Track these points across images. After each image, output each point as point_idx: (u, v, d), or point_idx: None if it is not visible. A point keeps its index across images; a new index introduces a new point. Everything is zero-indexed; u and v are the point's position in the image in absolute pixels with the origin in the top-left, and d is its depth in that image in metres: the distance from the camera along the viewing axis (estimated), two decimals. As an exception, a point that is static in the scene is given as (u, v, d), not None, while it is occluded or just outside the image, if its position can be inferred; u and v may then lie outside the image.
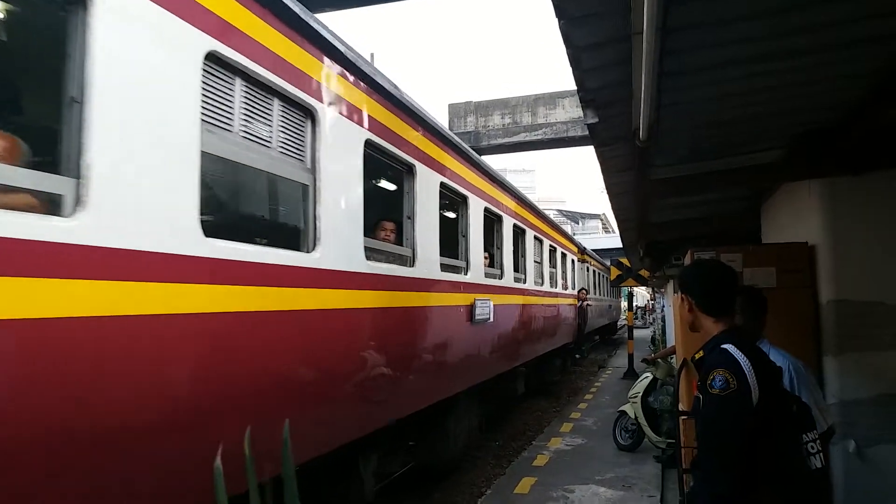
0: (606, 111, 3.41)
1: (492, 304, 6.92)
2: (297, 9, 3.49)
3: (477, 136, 20.75)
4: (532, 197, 13.62)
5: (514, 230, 8.78)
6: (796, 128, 3.99)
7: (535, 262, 10.25)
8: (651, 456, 7.07)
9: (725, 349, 2.16)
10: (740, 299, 2.96)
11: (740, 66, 2.99)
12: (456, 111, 21.36)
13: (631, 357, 14.87)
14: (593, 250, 24.84)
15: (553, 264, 12.18)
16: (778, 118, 3.84)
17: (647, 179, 4.80)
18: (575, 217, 69.70)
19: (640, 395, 7.39)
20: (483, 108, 21.06)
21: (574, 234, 25.76)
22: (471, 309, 6.25)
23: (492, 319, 6.86)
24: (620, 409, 7.74)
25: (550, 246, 11.81)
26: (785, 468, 2.14)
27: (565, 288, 13.53)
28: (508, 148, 21.78)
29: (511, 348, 8.44)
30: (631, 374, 13.79)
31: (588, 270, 19.12)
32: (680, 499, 4.09)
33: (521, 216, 9.33)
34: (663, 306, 19.10)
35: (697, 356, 2.35)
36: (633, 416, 7.44)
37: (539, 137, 20.63)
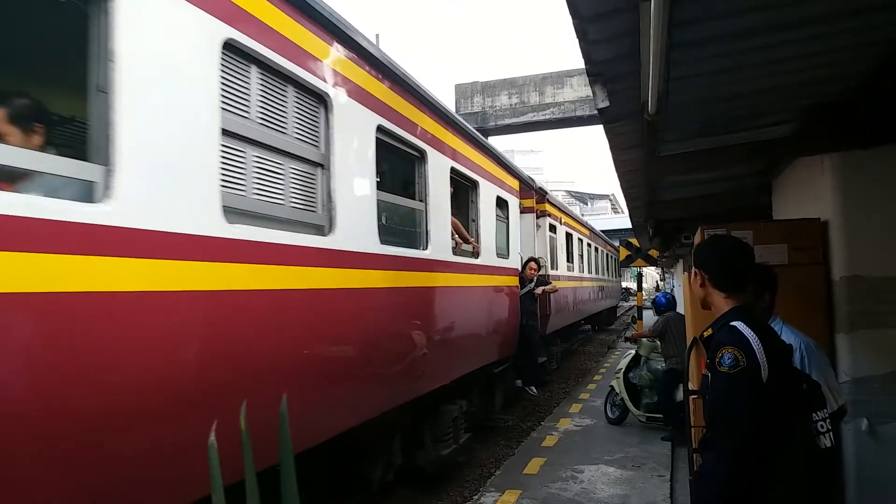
0: (614, 85, 3.34)
1: None
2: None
3: (484, 117, 20.62)
4: (540, 178, 12.55)
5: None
6: (809, 100, 3.90)
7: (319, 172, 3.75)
8: (659, 438, 7.06)
9: (734, 326, 2.12)
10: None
11: (751, 36, 2.90)
12: (462, 91, 21.20)
13: (640, 337, 14.80)
14: (602, 231, 23.32)
15: (420, 194, 5.28)
16: (790, 90, 3.75)
17: (657, 156, 4.72)
18: (584, 198, 69.38)
19: (623, 370, 7.79)
20: (490, 88, 20.90)
21: (583, 215, 24.55)
22: None
23: None
24: (610, 384, 8.17)
25: (405, 143, 4.92)
26: (793, 447, 2.11)
27: (473, 255, 6.47)
28: (516, 128, 21.66)
29: None
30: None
31: (554, 231, 11.86)
32: (690, 478, 4.06)
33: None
34: (672, 287, 19.00)
35: (706, 334, 2.31)
36: (617, 391, 7.83)
37: (547, 117, 20.49)
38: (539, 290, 9.12)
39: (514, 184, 8.56)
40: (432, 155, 5.37)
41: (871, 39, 3.02)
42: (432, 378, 5.29)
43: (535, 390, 9.17)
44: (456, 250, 6.00)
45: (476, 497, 5.31)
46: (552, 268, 11.22)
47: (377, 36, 5.20)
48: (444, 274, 5.56)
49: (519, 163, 9.44)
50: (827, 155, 4.17)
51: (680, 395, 6.96)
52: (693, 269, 2.41)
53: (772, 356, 2.05)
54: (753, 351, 2.03)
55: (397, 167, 5.39)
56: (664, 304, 7.96)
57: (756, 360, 2.02)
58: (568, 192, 65.74)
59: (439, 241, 5.49)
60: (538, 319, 9.38)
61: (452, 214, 6.04)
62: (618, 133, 4.29)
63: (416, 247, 5.11)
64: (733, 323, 2.14)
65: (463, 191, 6.71)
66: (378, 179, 4.41)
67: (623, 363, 7.95)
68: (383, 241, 4.33)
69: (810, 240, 4.31)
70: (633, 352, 7.98)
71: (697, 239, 4.71)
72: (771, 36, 2.91)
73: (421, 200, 5.30)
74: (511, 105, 20.69)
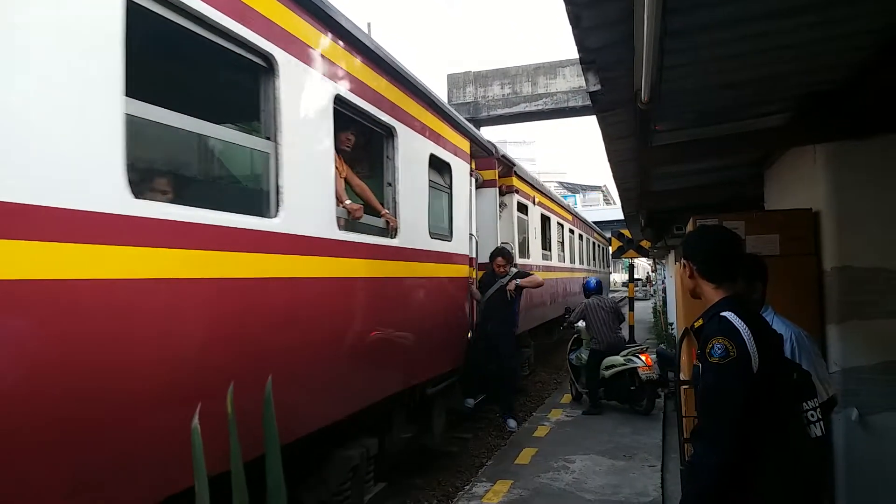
0: (607, 73, 3.30)
1: None
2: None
3: (476, 107, 20.56)
4: (532, 169, 11.99)
5: None
6: (802, 89, 3.88)
7: None
8: (647, 425, 7.09)
9: (725, 317, 2.11)
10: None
11: (746, 24, 2.87)
12: (455, 81, 21.11)
13: (631, 329, 14.85)
14: (594, 222, 23.85)
15: (265, 128, 3.33)
16: (784, 80, 3.73)
17: (650, 146, 4.70)
18: (576, 189, 69.37)
19: (568, 353, 8.77)
20: (482, 78, 20.82)
21: (574, 205, 24.42)
22: None
23: None
24: None
25: (219, 33, 2.88)
26: (784, 436, 2.11)
27: (387, 233, 4.72)
28: (508, 119, 21.61)
29: None
30: (630, 344, 13.79)
31: (525, 212, 9.98)
32: (681, 468, 4.07)
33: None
34: (664, 278, 19.04)
35: (697, 324, 2.30)
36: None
37: (539, 108, 20.45)
38: (512, 284, 6.97)
39: (464, 144, 6.50)
40: (289, 67, 3.40)
41: (867, 28, 3.00)
42: (306, 417, 3.57)
43: (513, 424, 7.30)
44: (350, 223, 4.24)
45: (468, 487, 5.31)
46: (521, 255, 9.44)
47: (369, 25, 5.07)
48: (318, 258, 3.68)
49: (512, 153, 9.25)
50: (820, 145, 4.16)
51: (604, 374, 7.86)
52: (682, 260, 2.40)
53: (762, 346, 2.04)
54: (744, 341, 2.03)
55: (207, 76, 3.66)
56: (591, 289, 8.65)
57: (746, 351, 2.02)
58: (560, 182, 65.80)
59: (306, 207, 3.61)
60: (515, 326, 7.41)
61: (363, 177, 4.70)
62: (610, 122, 4.26)
63: (251, 212, 3.22)
64: (724, 313, 2.13)
65: (376, 143, 4.90)
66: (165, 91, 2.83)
67: (568, 346, 8.90)
68: (140, 193, 2.49)
69: (802, 230, 4.31)
70: (576, 336, 8.75)
71: (690, 229, 4.71)
72: (766, 24, 2.88)
73: (268, 138, 3.32)
74: (504, 95, 20.62)
